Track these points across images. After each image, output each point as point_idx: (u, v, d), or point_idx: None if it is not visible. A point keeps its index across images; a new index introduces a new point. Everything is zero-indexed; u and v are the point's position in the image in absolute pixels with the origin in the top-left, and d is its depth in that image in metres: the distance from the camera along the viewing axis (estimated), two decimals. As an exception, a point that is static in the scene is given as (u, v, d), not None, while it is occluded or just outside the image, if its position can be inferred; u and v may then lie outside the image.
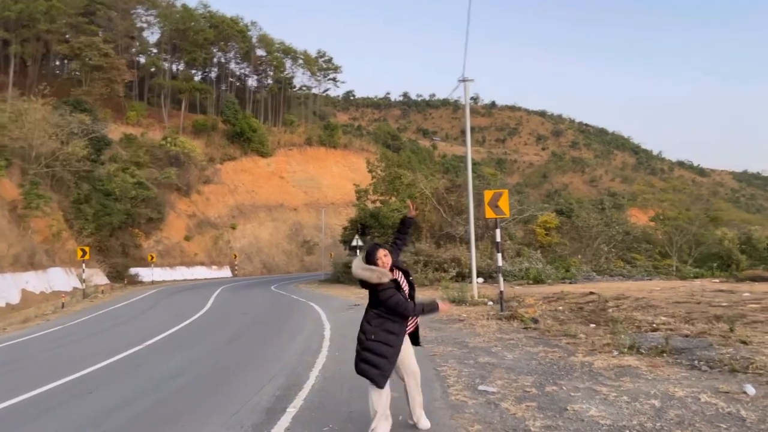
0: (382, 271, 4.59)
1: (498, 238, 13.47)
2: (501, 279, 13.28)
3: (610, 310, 12.34)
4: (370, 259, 4.66)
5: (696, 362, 6.84)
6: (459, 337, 10.10)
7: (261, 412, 5.87)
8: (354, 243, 34.50)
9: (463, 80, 16.08)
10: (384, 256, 4.65)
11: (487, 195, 13.08)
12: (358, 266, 4.68)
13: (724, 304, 11.46)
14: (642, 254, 44.52)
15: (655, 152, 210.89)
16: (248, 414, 5.81)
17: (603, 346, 8.17)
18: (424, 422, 5.02)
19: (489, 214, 12.97)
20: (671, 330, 8.96)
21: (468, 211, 17.86)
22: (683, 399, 5.43)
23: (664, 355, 7.32)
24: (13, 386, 8.13)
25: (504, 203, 12.80)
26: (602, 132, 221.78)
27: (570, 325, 10.48)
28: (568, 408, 5.27)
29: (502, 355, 8.15)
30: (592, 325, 10.49)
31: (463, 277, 26.65)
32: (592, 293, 15.59)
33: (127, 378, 8.45)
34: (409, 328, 4.86)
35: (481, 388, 6.24)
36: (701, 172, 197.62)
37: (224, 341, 11.86)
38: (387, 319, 4.63)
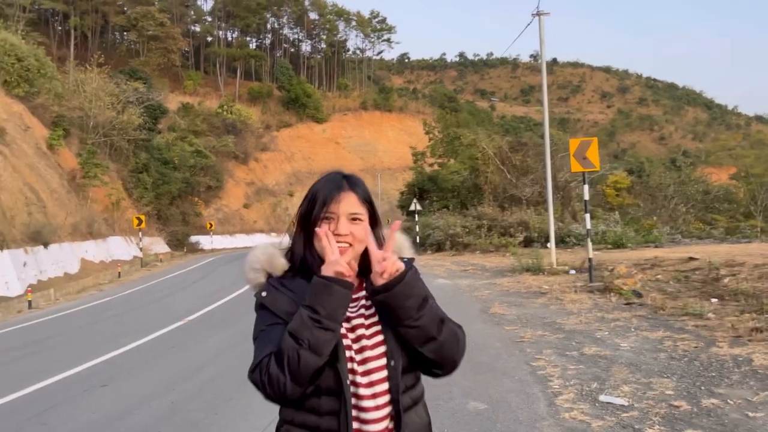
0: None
1: (587, 196, 11.48)
2: (589, 244, 11.33)
3: (726, 280, 10.21)
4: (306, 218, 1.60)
5: None
6: (547, 316, 8.30)
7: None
8: (412, 208, 32.82)
9: (538, 14, 13.86)
10: (352, 220, 1.56)
11: (573, 144, 11.05)
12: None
13: None
14: (723, 215, 41.13)
15: (730, 107, 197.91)
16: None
17: (751, 332, 6.21)
18: None
19: (575, 167, 10.97)
20: (837, 309, 6.89)
21: (538, 169, 15.87)
22: None
23: None
24: (26, 373, 6.99)
25: (593, 154, 10.75)
26: (672, 87, 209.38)
27: (685, 299, 8.50)
28: (761, 444, 3.46)
29: (614, 343, 6.31)
30: (714, 300, 8.47)
31: (530, 242, 24.64)
32: (693, 259, 13.35)
33: (153, 365, 7.16)
34: None
35: (603, 398, 4.46)
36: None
37: (271, 317, 10.51)
38: None
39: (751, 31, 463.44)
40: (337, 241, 1.46)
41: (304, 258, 1.52)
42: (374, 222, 1.61)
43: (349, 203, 1.52)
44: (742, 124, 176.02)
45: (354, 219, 1.51)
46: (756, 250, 15.79)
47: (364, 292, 1.54)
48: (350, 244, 1.48)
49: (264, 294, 1.52)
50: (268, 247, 1.60)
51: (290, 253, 1.57)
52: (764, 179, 44.81)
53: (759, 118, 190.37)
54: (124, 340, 8.91)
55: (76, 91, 36.80)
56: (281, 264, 1.55)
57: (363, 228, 1.52)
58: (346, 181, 1.56)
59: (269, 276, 1.55)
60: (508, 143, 36.85)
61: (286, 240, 1.63)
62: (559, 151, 28.39)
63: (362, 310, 1.52)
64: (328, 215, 1.50)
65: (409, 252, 1.72)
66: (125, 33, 71.28)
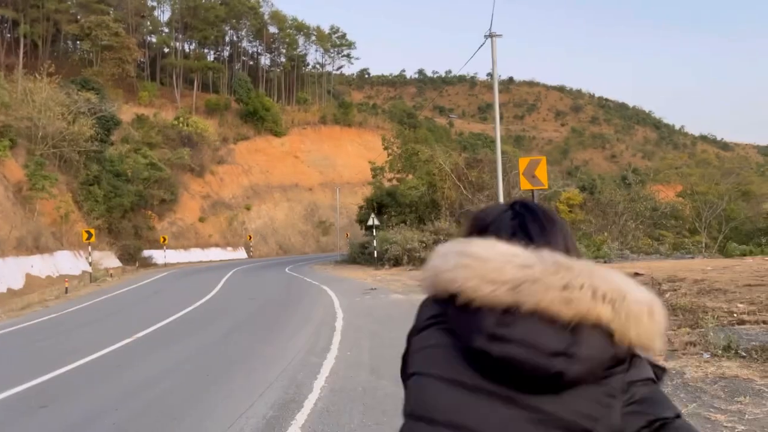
0: None
1: (535, 213, 11.77)
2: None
3: (667, 295, 10.63)
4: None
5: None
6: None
7: (242, 448, 4.33)
8: (370, 222, 32.96)
9: (491, 35, 14.26)
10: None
11: (522, 163, 11.36)
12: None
13: (810, 287, 9.68)
14: (670, 231, 42.58)
15: (677, 127, 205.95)
16: (223, 452, 4.27)
17: (685, 345, 6.49)
18: None
19: (525, 185, 11.27)
20: (765, 323, 7.25)
21: (493, 186, 16.24)
22: None
23: (777, 359, 5.63)
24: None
25: (542, 172, 11.08)
26: (623, 107, 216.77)
27: (627, 314, 8.81)
28: (684, 454, 3.63)
29: (556, 357, 6.51)
30: (654, 315, 8.81)
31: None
32: (638, 274, 13.84)
33: (97, 384, 6.99)
34: None
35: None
36: (725, 146, 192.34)
37: (222, 334, 10.38)
38: None
39: (699, 53, 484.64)
40: None
41: None
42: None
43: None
44: (688, 143, 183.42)
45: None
46: (697, 265, 16.46)
47: None
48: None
49: None
50: None
51: None
52: (708, 197, 46.65)
53: (704, 138, 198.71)
54: (67, 359, 8.66)
55: (25, 101, 35.73)
56: None
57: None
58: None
59: None
60: (464, 159, 37.46)
61: None
62: (514, 167, 29.00)
63: None
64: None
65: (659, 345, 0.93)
66: (78, 42, 69.60)
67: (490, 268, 0.92)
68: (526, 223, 1.05)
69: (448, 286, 0.95)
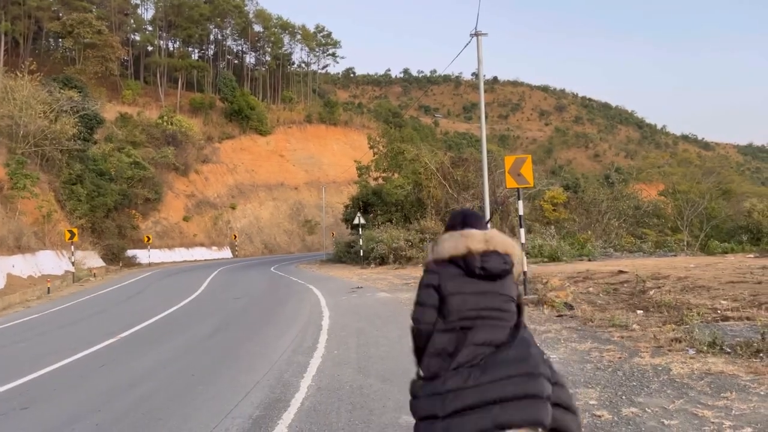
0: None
1: (521, 211, 11.80)
2: (524, 258, 11.65)
3: (651, 292, 10.71)
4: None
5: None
6: (482, 329, 8.49)
7: (228, 448, 4.27)
8: (356, 221, 32.91)
9: (476, 34, 14.27)
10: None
11: (508, 161, 11.38)
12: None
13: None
14: (652, 229, 43.00)
15: (659, 126, 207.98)
16: (209, 453, 4.21)
17: (671, 342, 6.53)
18: None
19: (510, 183, 11.29)
20: (748, 319, 7.33)
21: (478, 184, 16.28)
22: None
23: (761, 355, 5.68)
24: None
25: (527, 170, 11.11)
26: (606, 106, 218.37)
27: (613, 311, 8.87)
28: (673, 450, 3.64)
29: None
30: (640, 312, 8.87)
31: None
32: (622, 272, 13.96)
33: (80, 385, 6.89)
34: None
35: (530, 408, 4.60)
36: (705, 145, 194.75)
37: (207, 334, 10.29)
38: None
39: (680, 54, 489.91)
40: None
41: None
42: None
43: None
44: (669, 143, 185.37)
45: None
46: (680, 263, 16.64)
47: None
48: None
49: None
50: None
51: None
52: (690, 196, 47.13)
53: (685, 138, 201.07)
54: (50, 359, 8.53)
55: (5, 99, 35.17)
56: None
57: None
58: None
59: None
60: (450, 158, 37.55)
61: None
62: (499, 167, 29.13)
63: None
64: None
65: (519, 264, 2.62)
66: (60, 40, 68.75)
67: (477, 239, 2.45)
68: (470, 220, 2.59)
69: (455, 251, 2.46)
